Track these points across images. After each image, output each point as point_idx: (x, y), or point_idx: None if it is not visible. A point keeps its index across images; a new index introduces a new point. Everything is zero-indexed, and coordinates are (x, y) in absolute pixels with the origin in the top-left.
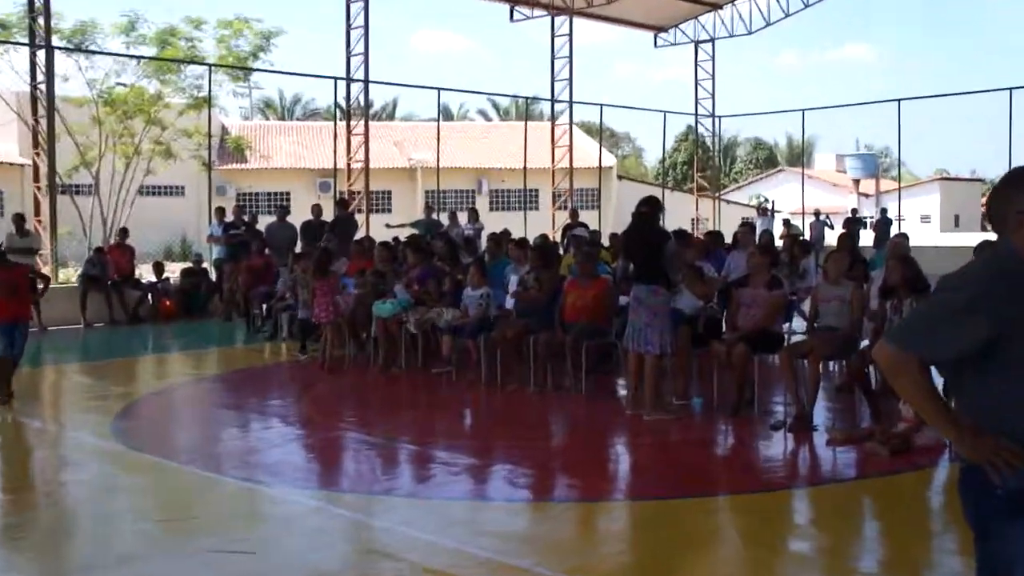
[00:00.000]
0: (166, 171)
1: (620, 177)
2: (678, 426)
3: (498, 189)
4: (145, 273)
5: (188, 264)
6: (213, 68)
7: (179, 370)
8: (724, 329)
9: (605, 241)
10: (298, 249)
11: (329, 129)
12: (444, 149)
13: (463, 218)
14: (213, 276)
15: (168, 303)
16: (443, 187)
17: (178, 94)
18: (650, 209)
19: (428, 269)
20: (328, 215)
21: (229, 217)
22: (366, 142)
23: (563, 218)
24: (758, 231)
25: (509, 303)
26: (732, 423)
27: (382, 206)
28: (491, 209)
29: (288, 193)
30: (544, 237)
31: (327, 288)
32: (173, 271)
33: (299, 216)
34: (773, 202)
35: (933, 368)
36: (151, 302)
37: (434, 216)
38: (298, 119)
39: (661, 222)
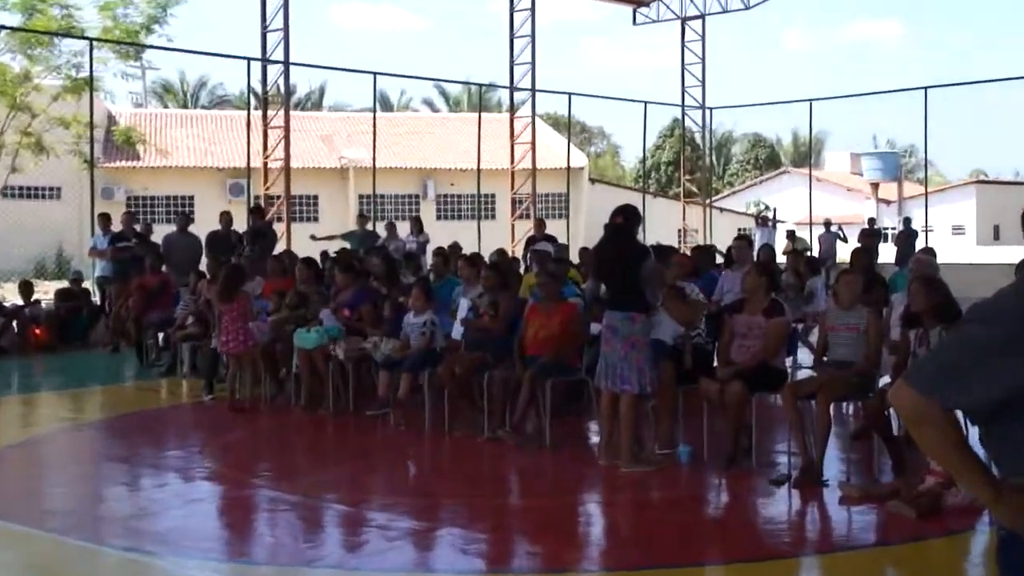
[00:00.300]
0: (37, 169)
1: (593, 180)
2: (661, 480)
3: (447, 194)
4: (9, 294)
5: (65, 284)
6: (95, 43)
7: (52, 414)
8: (716, 364)
9: (574, 257)
10: (203, 266)
11: (241, 120)
12: (382, 146)
13: (404, 229)
14: (96, 298)
15: (39, 331)
16: (381, 191)
17: (51, 74)
18: (626, 220)
19: (361, 291)
20: (240, 224)
21: (117, 226)
22: (286, 136)
23: (525, 229)
24: (756, 245)
25: (458, 332)
26: (726, 477)
27: (307, 214)
28: (438, 218)
29: (191, 197)
30: (501, 252)
31: (236, 313)
32: (46, 292)
33: (204, 226)
34: (775, 210)
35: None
36: (16, 330)
37: (369, 227)
38: (204, 108)
39: (640, 235)
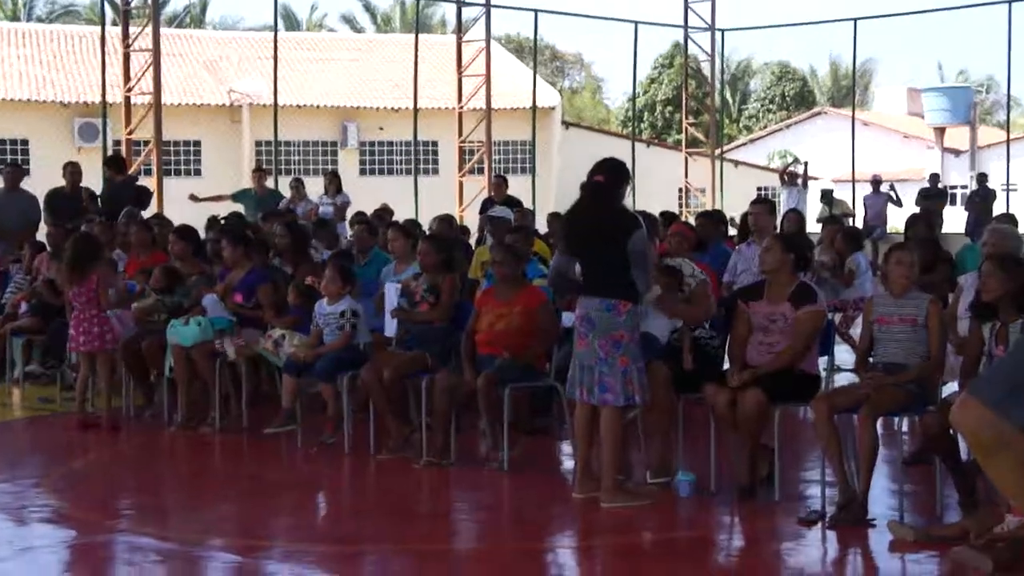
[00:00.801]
0: None
1: (567, 124)
2: (653, 519)
3: (373, 141)
4: None
5: None
6: None
7: None
8: (726, 366)
9: (542, 226)
10: (42, 234)
11: (94, 39)
12: (286, 77)
13: (316, 187)
14: None
15: None
16: (285, 137)
17: None
18: (609, 178)
19: (258, 270)
20: (94, 179)
21: None
22: (156, 62)
23: (477, 188)
24: (781, 209)
25: (391, 328)
26: (739, 513)
27: (185, 166)
28: (362, 173)
29: (24, 142)
30: (446, 220)
31: (88, 298)
32: None
33: (43, 180)
34: (806, 164)
35: None
36: None
37: (269, 184)
38: (41, 21)
39: (627, 199)
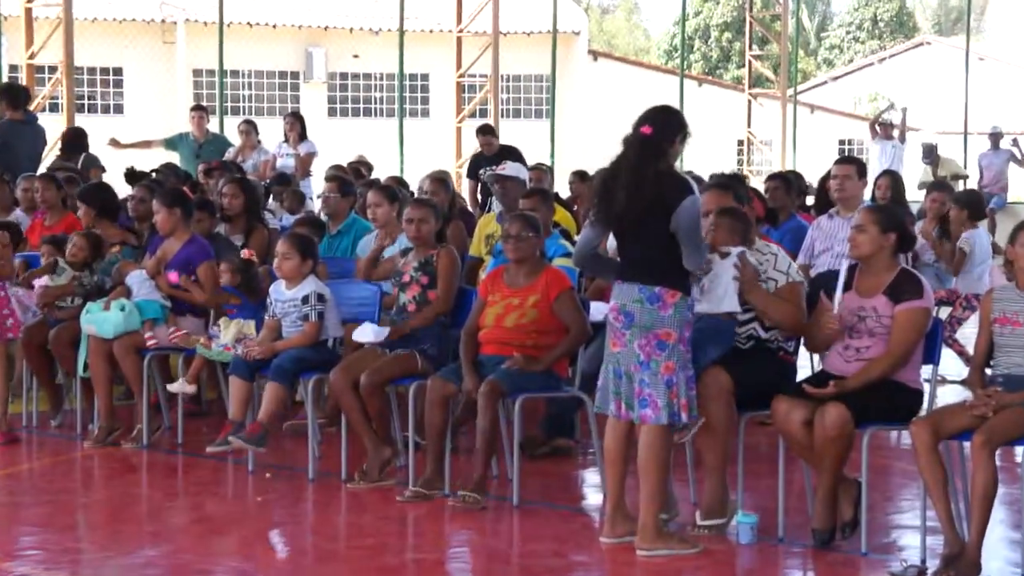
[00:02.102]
0: None
1: (596, 54)
2: (704, 572)
3: (345, 73)
4: None
5: None
6: None
7: None
8: (801, 375)
9: (563, 189)
10: None
11: None
12: None
13: (272, 133)
14: None
15: None
16: (232, 66)
17: None
18: (659, 130)
19: (199, 241)
20: None
21: None
22: None
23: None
24: (874, 170)
25: (371, 333)
26: (815, 567)
27: (103, 100)
28: (331, 114)
29: None
30: (440, 179)
31: None
32: None
33: None
34: (905, 111)
35: None
36: None
37: (212, 127)
38: None
39: (677, 158)
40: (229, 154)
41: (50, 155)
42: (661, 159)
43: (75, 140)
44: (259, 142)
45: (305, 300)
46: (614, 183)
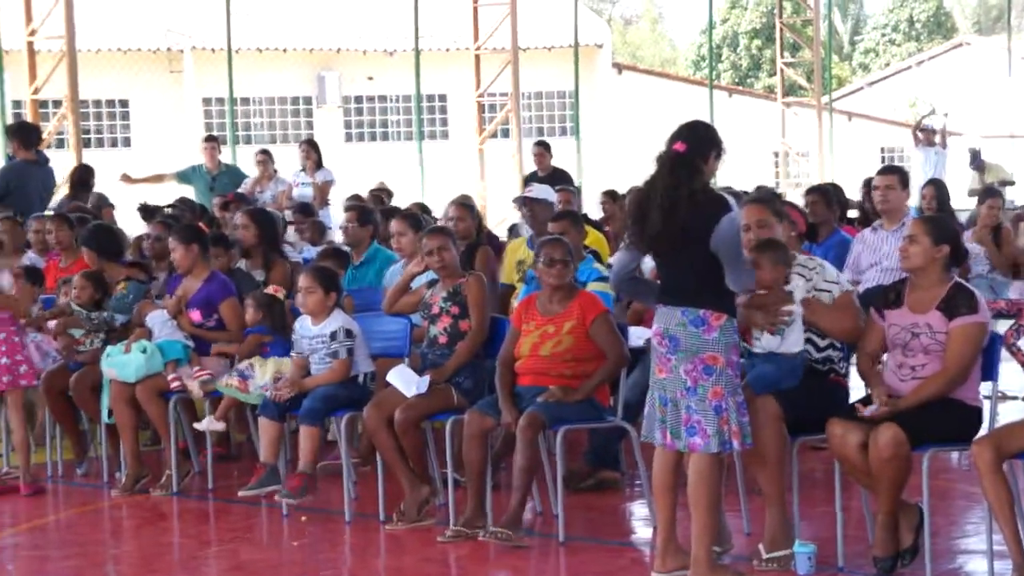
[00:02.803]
0: None
1: (620, 67)
2: None
3: (360, 96)
4: None
5: None
6: None
7: None
8: (855, 396)
9: (593, 210)
10: None
11: None
12: (243, 11)
13: (286, 162)
14: None
15: None
16: (243, 93)
17: None
18: (693, 147)
19: (220, 278)
20: None
21: None
22: None
23: (502, 157)
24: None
25: (413, 384)
26: None
27: (110, 134)
28: (347, 139)
29: None
30: (463, 204)
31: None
32: None
33: None
34: (946, 115)
35: None
36: None
37: (225, 159)
38: None
39: (713, 176)
40: (246, 186)
41: (57, 194)
42: (696, 177)
43: (84, 179)
44: (276, 172)
45: (333, 336)
46: (648, 204)
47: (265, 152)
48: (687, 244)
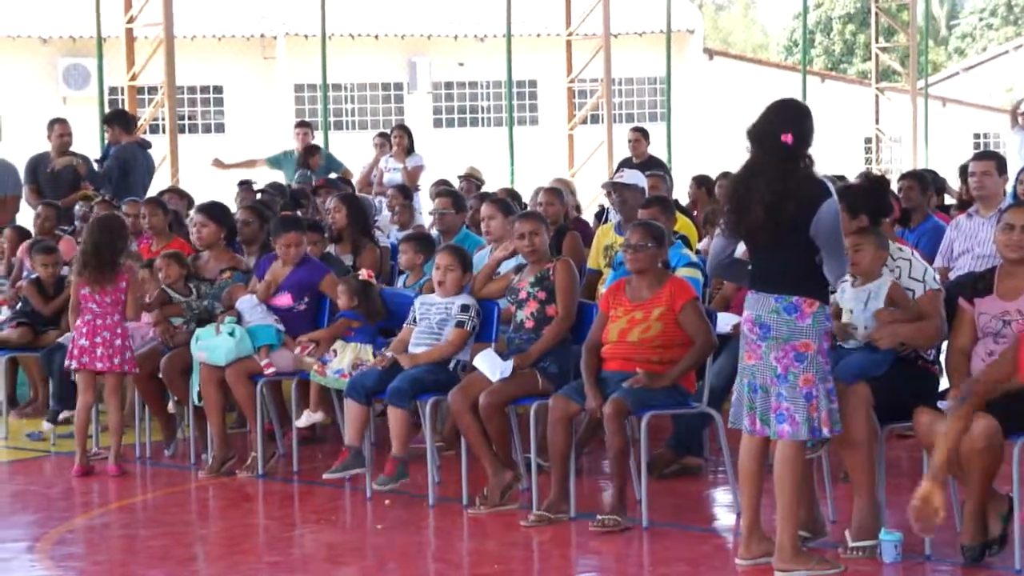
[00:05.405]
0: None
1: (712, 53)
2: None
3: (450, 82)
4: None
5: None
6: None
7: None
8: (944, 384)
9: (683, 195)
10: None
11: None
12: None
13: (372, 144)
14: None
15: None
16: (336, 79)
17: None
18: (799, 136)
19: (311, 262)
20: (87, 141)
21: None
22: None
23: (593, 143)
24: (1014, 162)
25: (498, 368)
26: None
27: (204, 120)
28: (437, 124)
29: None
30: (552, 189)
31: (113, 302)
32: None
33: (19, 142)
34: None
35: None
36: None
37: (315, 142)
38: None
39: (811, 160)
40: (364, 169)
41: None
42: (801, 169)
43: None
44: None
45: (465, 308)
46: (749, 196)
47: (383, 135)
48: (787, 232)
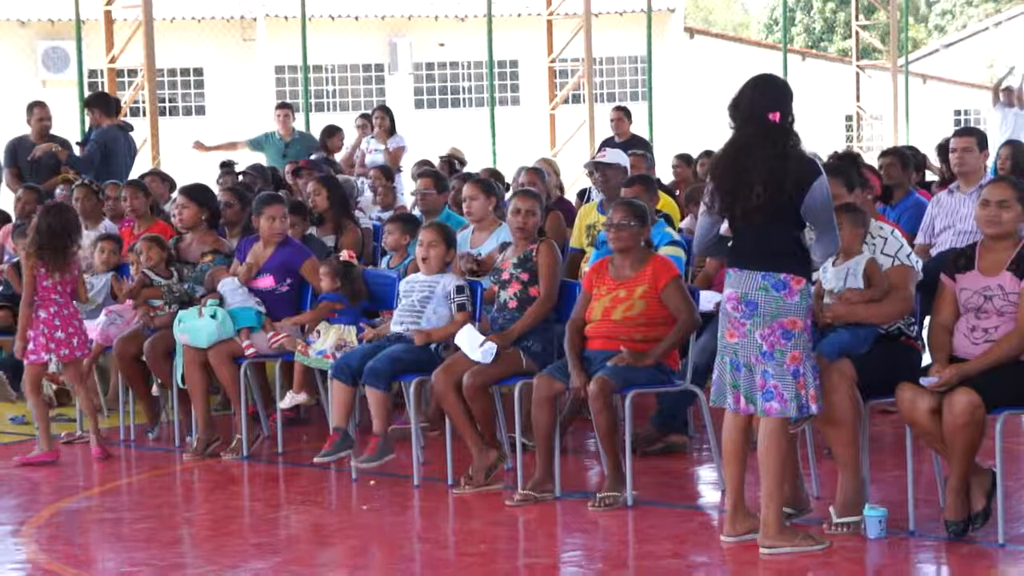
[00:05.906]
0: None
1: (692, 32)
2: (832, 570)
3: (431, 63)
4: None
5: None
6: None
7: None
8: (927, 360)
9: (665, 173)
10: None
11: None
12: None
13: (354, 125)
14: None
15: None
16: (316, 60)
17: None
18: (784, 113)
19: (293, 244)
20: (67, 125)
21: None
22: None
23: (574, 123)
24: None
25: (479, 352)
26: (948, 560)
27: (184, 102)
28: (418, 106)
29: None
30: (535, 169)
31: (70, 291)
32: None
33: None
34: None
35: None
36: None
37: (298, 126)
38: None
39: (798, 137)
40: (347, 150)
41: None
42: (790, 143)
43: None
44: (341, 136)
45: (460, 290)
46: (747, 175)
47: (365, 116)
48: (779, 209)
